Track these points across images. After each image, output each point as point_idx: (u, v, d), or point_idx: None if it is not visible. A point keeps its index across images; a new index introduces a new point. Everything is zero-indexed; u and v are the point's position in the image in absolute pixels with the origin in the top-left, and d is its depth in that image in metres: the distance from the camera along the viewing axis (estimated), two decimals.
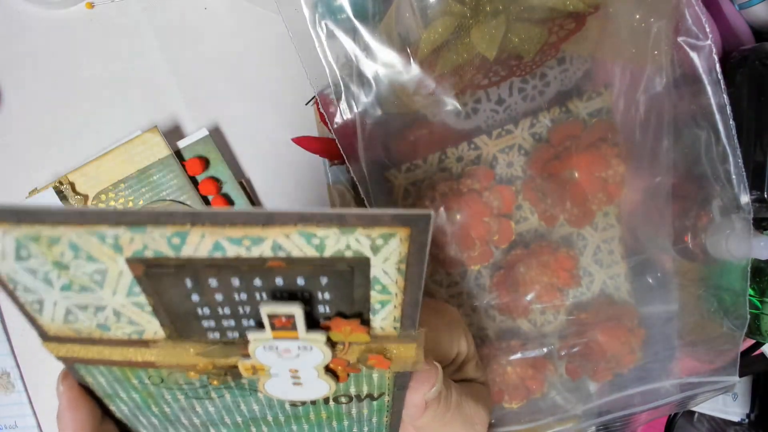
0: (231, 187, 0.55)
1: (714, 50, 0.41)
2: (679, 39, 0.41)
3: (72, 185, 0.52)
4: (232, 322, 0.24)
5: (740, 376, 0.49)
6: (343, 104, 0.44)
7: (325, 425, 0.32)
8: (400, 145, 0.45)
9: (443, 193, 0.45)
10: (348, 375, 0.27)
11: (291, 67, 0.56)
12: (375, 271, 0.22)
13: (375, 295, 0.23)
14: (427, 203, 0.45)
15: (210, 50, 0.59)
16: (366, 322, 0.24)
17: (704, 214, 0.46)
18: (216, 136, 0.58)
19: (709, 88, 0.42)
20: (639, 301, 0.48)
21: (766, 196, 0.45)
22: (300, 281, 0.22)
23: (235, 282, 0.22)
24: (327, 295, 0.23)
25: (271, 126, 0.58)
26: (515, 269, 0.46)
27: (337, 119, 0.44)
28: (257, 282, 0.22)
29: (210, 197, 0.54)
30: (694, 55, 0.41)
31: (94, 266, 0.21)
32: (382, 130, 0.44)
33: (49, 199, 0.52)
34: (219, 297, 0.23)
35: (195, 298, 0.23)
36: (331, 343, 0.24)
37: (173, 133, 0.58)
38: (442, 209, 0.45)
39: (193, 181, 0.54)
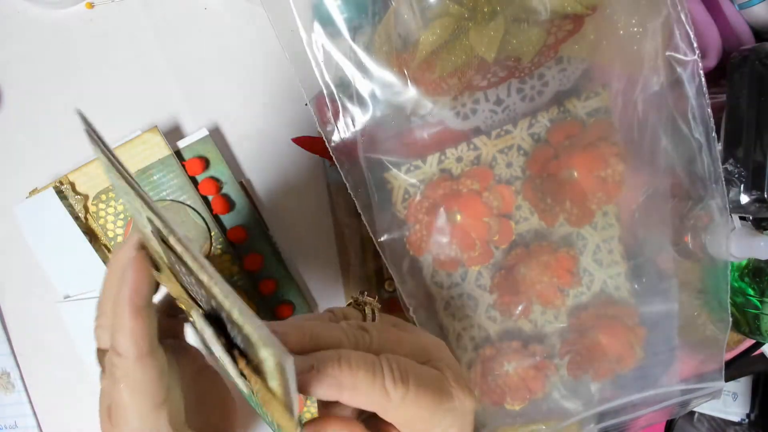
0: (231, 187, 0.55)
1: (700, 65, 0.41)
2: (667, 54, 0.42)
3: (72, 185, 0.53)
4: (195, 291, 0.29)
5: (740, 376, 0.49)
6: (341, 123, 0.44)
7: None
8: (399, 145, 0.45)
9: (443, 194, 0.45)
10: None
11: (291, 67, 0.57)
12: (262, 354, 0.25)
13: (266, 368, 0.25)
14: (426, 204, 0.45)
15: (210, 50, 0.59)
16: (263, 378, 0.26)
17: (704, 214, 0.46)
18: (216, 136, 0.58)
19: (693, 100, 0.42)
20: (639, 300, 0.48)
21: (766, 196, 0.45)
22: (222, 315, 0.27)
23: (194, 281, 0.27)
24: (237, 338, 0.27)
25: (271, 126, 0.58)
26: (515, 269, 0.46)
27: (335, 137, 0.44)
28: (202, 292, 0.27)
29: (210, 197, 0.54)
30: (680, 69, 0.42)
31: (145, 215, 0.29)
32: (382, 130, 0.45)
33: (49, 199, 0.52)
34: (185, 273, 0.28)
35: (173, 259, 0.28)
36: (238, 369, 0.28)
37: (173, 133, 0.58)
38: (442, 209, 0.45)
39: (193, 181, 0.54)
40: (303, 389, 0.29)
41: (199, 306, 0.30)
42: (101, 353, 0.33)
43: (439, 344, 0.35)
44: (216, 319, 0.28)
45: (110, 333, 0.30)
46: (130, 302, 0.29)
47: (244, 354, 0.27)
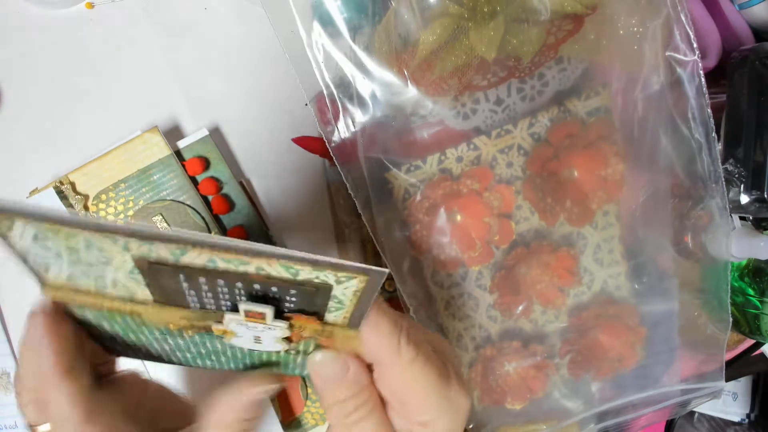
0: (231, 187, 0.55)
1: (699, 65, 0.41)
2: (667, 54, 0.42)
3: (72, 185, 0.52)
4: (213, 303, 0.29)
5: (740, 376, 0.49)
6: (341, 123, 0.44)
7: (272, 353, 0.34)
8: (399, 145, 0.45)
9: (443, 194, 0.45)
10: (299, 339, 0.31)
11: (291, 67, 0.57)
12: (335, 292, 0.27)
13: (332, 305, 0.28)
14: (426, 204, 0.45)
15: (210, 50, 0.59)
16: (321, 318, 0.29)
17: (704, 214, 0.46)
18: (216, 136, 0.58)
19: (693, 101, 0.42)
20: (640, 300, 0.48)
21: (766, 196, 0.45)
22: (273, 289, 0.27)
23: (221, 282, 0.27)
24: (293, 300, 0.28)
25: (271, 126, 0.58)
26: (516, 269, 0.46)
27: (335, 137, 0.44)
28: (239, 284, 0.27)
29: (210, 197, 0.54)
30: (680, 70, 0.42)
31: (102, 255, 0.26)
32: (382, 131, 0.45)
33: (49, 198, 0.52)
34: (206, 289, 0.27)
35: (185, 287, 0.27)
36: (291, 326, 0.29)
37: (173, 133, 0.58)
38: (442, 209, 0.45)
39: (194, 181, 0.54)
40: None
41: (221, 309, 0.29)
42: (33, 429, 0.32)
43: (446, 342, 0.35)
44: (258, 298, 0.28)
45: (40, 407, 0.29)
46: (56, 369, 0.28)
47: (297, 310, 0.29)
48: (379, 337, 0.30)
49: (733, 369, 0.57)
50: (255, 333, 0.30)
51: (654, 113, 0.43)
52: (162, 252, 0.25)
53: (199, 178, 0.54)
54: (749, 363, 0.59)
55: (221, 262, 0.25)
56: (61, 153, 0.56)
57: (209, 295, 0.28)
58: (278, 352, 0.33)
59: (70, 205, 0.52)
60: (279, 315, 0.29)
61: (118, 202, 0.52)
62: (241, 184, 0.56)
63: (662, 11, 0.41)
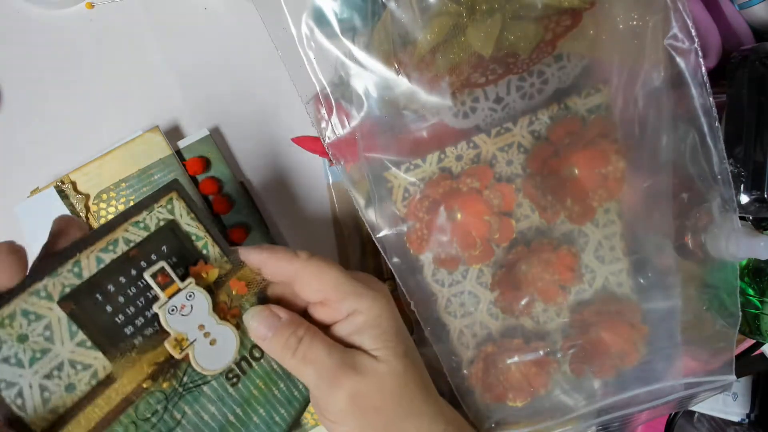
0: (231, 187, 0.55)
1: (699, 53, 0.41)
2: (665, 42, 0.42)
3: (73, 184, 0.53)
4: (141, 319, 0.33)
5: (740, 376, 0.49)
6: (337, 123, 0.44)
7: (266, 409, 0.38)
8: (399, 144, 0.45)
9: (443, 192, 0.45)
10: (237, 322, 0.37)
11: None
12: (183, 226, 0.34)
13: (197, 244, 0.35)
14: (426, 203, 0.45)
15: (210, 50, 0.59)
16: (207, 262, 0.36)
17: (704, 213, 0.46)
18: (216, 136, 0.58)
19: (694, 91, 0.42)
20: (641, 297, 0.47)
21: (766, 196, 0.45)
22: (154, 257, 0.34)
23: (123, 279, 0.32)
24: (174, 258, 0.34)
25: (271, 126, 0.58)
26: (517, 267, 0.46)
27: (329, 134, 0.44)
28: (133, 272, 0.33)
29: (210, 197, 0.54)
30: (680, 60, 0.42)
31: (42, 323, 0.29)
32: (381, 130, 0.45)
33: (50, 198, 0.52)
34: (121, 299, 0.32)
35: (108, 308, 0.32)
36: (208, 290, 0.35)
37: (174, 133, 0.58)
38: (442, 208, 0.45)
39: (194, 180, 0.54)
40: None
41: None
42: None
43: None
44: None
45: None
46: None
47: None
48: (275, 256, 0.37)
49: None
50: (192, 319, 0.34)
51: (654, 110, 0.43)
52: (68, 278, 0.30)
53: (200, 177, 0.54)
54: (749, 363, 0.59)
55: (104, 254, 0.31)
56: (62, 152, 0.57)
57: (129, 304, 0.33)
58: (252, 367, 0.38)
59: (71, 205, 0.52)
60: (182, 278, 0.34)
61: (119, 201, 0.52)
62: (241, 184, 0.56)
63: (661, 4, 0.41)
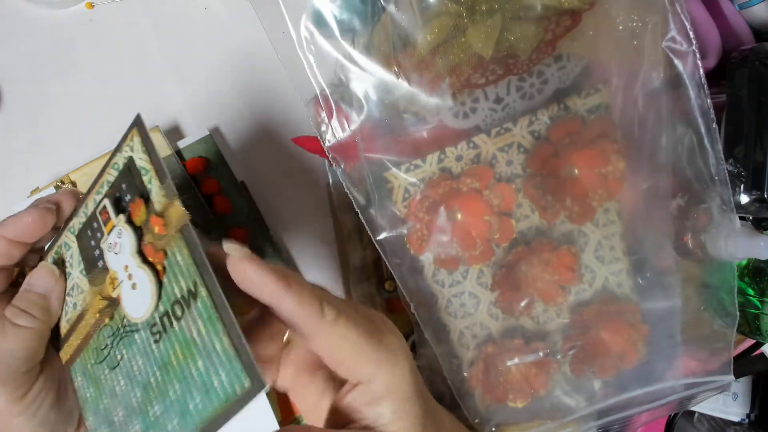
0: (231, 187, 0.55)
1: (697, 55, 0.41)
2: (664, 44, 0.42)
3: (73, 184, 0.53)
4: (98, 251, 0.36)
5: (740, 376, 0.49)
6: (336, 124, 0.44)
7: (181, 387, 0.33)
8: (399, 145, 0.45)
9: (443, 192, 0.45)
10: (163, 267, 0.33)
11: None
12: (137, 161, 0.35)
13: (145, 179, 0.34)
14: (426, 203, 0.45)
15: (210, 50, 0.59)
16: (148, 202, 0.34)
17: (703, 214, 0.46)
18: (216, 136, 0.58)
19: (692, 93, 0.42)
20: (641, 297, 0.47)
21: (766, 196, 0.45)
22: (117, 194, 0.35)
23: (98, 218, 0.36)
24: (127, 195, 0.35)
25: (271, 126, 0.58)
26: (517, 267, 0.46)
27: (329, 137, 0.44)
28: (104, 203, 0.36)
29: (211, 197, 0.54)
30: (678, 62, 0.42)
31: (70, 252, 0.37)
32: (380, 130, 0.45)
33: None
34: (98, 235, 0.36)
35: (92, 243, 0.36)
36: (136, 230, 0.34)
37: (174, 133, 0.58)
38: (442, 208, 0.45)
39: (194, 180, 0.54)
40: (250, 276, 0.30)
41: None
42: None
43: (371, 309, 0.36)
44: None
45: None
46: None
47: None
48: (302, 306, 0.31)
49: (733, 369, 0.57)
50: (120, 259, 0.34)
51: (654, 110, 0.43)
52: (80, 218, 0.37)
53: (200, 177, 0.54)
54: (749, 363, 0.59)
55: (97, 195, 0.36)
56: (62, 152, 0.57)
57: (95, 239, 0.36)
58: (172, 326, 0.33)
59: None
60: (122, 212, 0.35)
61: None
62: (241, 184, 0.56)
63: (660, 5, 0.41)
